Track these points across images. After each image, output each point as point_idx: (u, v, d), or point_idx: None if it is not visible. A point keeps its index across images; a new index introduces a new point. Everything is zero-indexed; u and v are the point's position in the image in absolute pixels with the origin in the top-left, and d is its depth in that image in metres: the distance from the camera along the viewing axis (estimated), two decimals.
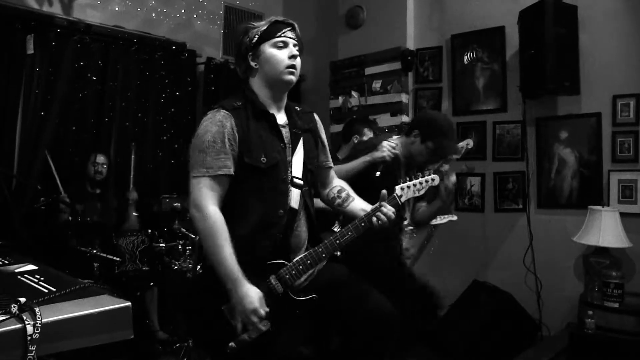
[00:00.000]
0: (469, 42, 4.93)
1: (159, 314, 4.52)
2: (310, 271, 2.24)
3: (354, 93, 5.58)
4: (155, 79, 5.32)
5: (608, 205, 4.02)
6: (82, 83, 4.82)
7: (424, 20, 5.28)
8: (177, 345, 4.10)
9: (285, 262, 2.17)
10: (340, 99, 5.69)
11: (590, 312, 3.59)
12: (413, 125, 3.22)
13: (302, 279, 2.22)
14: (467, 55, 4.95)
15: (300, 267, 2.16)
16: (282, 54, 2.20)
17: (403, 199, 2.29)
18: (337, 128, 5.68)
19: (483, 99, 4.85)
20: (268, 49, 2.20)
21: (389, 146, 3.01)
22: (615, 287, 3.59)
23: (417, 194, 2.33)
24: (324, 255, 2.19)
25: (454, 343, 4.09)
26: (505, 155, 4.69)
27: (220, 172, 2.10)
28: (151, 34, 5.30)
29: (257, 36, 2.21)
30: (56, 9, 4.75)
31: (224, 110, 2.15)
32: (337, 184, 2.54)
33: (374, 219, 2.20)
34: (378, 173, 2.95)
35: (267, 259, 2.16)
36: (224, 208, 2.13)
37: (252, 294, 2.02)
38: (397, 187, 2.29)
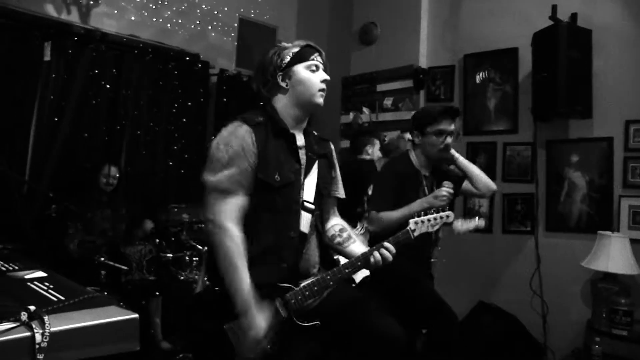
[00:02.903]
0: (482, 62, 4.94)
1: (162, 324, 4.52)
2: (316, 297, 2.22)
3: (365, 109, 5.60)
4: (168, 88, 5.35)
5: (618, 230, 4.00)
6: (96, 90, 4.85)
7: (437, 39, 5.30)
8: (181, 355, 4.09)
9: (292, 287, 2.15)
10: (351, 114, 5.71)
11: (598, 339, 3.56)
12: (410, 131, 3.40)
13: (309, 302, 2.19)
14: (479, 75, 4.96)
15: (307, 292, 2.14)
16: (315, 77, 2.25)
17: (416, 233, 2.29)
18: (347, 144, 5.69)
19: (494, 119, 4.85)
20: (302, 71, 2.24)
21: (448, 193, 3.06)
22: (624, 315, 3.56)
23: (430, 230, 2.33)
24: (331, 283, 2.17)
25: None
26: (514, 177, 4.68)
27: (237, 188, 2.09)
28: (165, 44, 5.34)
29: (289, 57, 2.24)
30: (74, 17, 4.81)
31: (246, 125, 2.15)
32: (338, 222, 2.50)
33: (372, 258, 2.19)
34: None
35: (275, 282, 2.14)
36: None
37: (260, 324, 1.99)
38: (411, 221, 2.29)
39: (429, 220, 2.32)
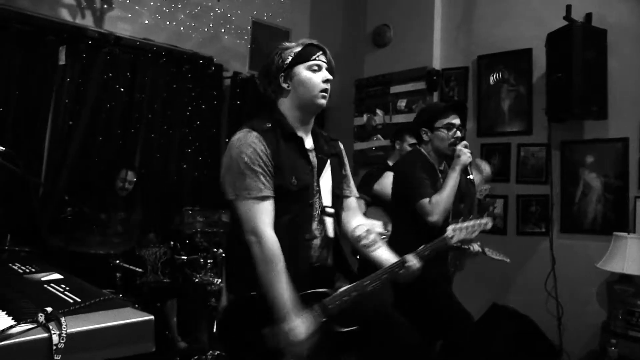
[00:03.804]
0: (496, 63, 4.91)
1: (178, 324, 4.55)
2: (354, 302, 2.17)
3: (378, 111, 5.59)
4: (181, 92, 5.38)
5: (634, 232, 3.96)
6: (110, 94, 4.90)
7: (451, 41, 5.28)
8: (196, 356, 4.11)
9: (328, 292, 2.13)
10: (365, 116, 5.71)
11: (614, 341, 3.53)
12: (417, 129, 3.33)
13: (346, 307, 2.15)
14: (493, 76, 4.93)
15: (345, 297, 2.11)
16: (317, 77, 2.21)
17: (454, 240, 2.27)
18: (361, 145, 5.70)
19: (508, 120, 4.83)
20: (303, 72, 2.20)
21: (465, 147, 3.06)
22: None
23: (469, 237, 2.31)
24: (370, 289, 2.14)
25: None
26: (529, 178, 4.65)
27: (264, 193, 2.06)
28: (179, 48, 5.37)
29: (290, 57, 2.20)
30: (88, 22, 4.86)
31: (255, 132, 2.12)
32: (363, 222, 2.47)
33: (400, 270, 2.20)
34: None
35: (297, 286, 2.06)
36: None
37: (300, 329, 1.97)
38: (449, 228, 2.27)
39: (467, 227, 2.29)
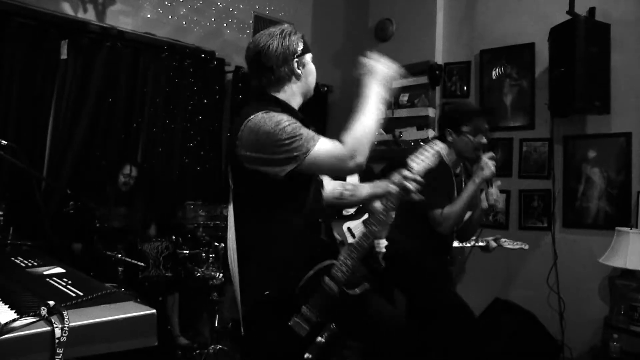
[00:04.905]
0: (498, 57, 4.90)
1: (179, 320, 4.56)
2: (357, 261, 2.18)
3: None
4: (184, 86, 5.38)
5: (636, 227, 3.95)
6: (112, 88, 4.89)
7: (453, 35, 5.27)
8: (198, 351, 4.13)
9: (334, 262, 2.12)
10: None
11: (616, 336, 3.53)
12: (441, 127, 3.29)
13: (353, 268, 2.15)
14: (495, 70, 4.93)
15: (348, 261, 2.11)
16: None
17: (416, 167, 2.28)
18: None
19: (510, 115, 4.82)
20: (310, 62, 2.23)
21: (492, 161, 3.03)
22: None
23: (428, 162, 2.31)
24: (365, 244, 2.16)
25: None
26: (531, 173, 4.65)
27: (320, 136, 2.01)
28: (181, 42, 5.36)
29: (301, 44, 2.18)
30: (90, 16, 4.85)
31: (273, 112, 2.03)
32: (334, 182, 2.52)
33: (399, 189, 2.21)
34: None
35: (315, 262, 2.10)
36: (266, 215, 2.09)
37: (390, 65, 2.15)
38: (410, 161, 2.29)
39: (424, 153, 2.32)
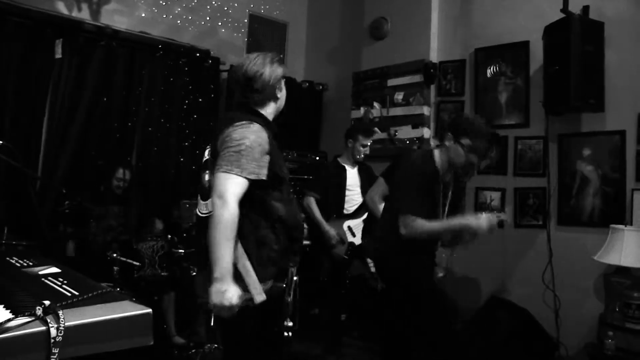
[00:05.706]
0: (493, 56, 4.91)
1: (175, 319, 4.55)
2: None
3: (375, 104, 5.59)
4: (179, 85, 5.38)
5: (631, 224, 3.96)
6: (107, 87, 4.89)
7: (448, 33, 5.27)
8: (194, 350, 4.12)
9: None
10: (362, 109, 5.70)
11: (611, 333, 3.54)
12: (445, 128, 3.27)
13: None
14: (490, 69, 4.93)
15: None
16: None
17: None
18: None
19: (505, 113, 4.82)
20: (284, 84, 2.53)
21: (490, 223, 2.98)
22: (637, 309, 3.54)
23: None
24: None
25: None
26: (526, 171, 4.66)
27: (250, 177, 2.21)
28: (176, 41, 5.36)
29: (281, 71, 2.47)
30: (85, 15, 4.84)
31: (257, 124, 2.30)
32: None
33: None
34: None
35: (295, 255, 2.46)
36: (257, 211, 2.31)
37: (234, 294, 2.11)
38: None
39: None
